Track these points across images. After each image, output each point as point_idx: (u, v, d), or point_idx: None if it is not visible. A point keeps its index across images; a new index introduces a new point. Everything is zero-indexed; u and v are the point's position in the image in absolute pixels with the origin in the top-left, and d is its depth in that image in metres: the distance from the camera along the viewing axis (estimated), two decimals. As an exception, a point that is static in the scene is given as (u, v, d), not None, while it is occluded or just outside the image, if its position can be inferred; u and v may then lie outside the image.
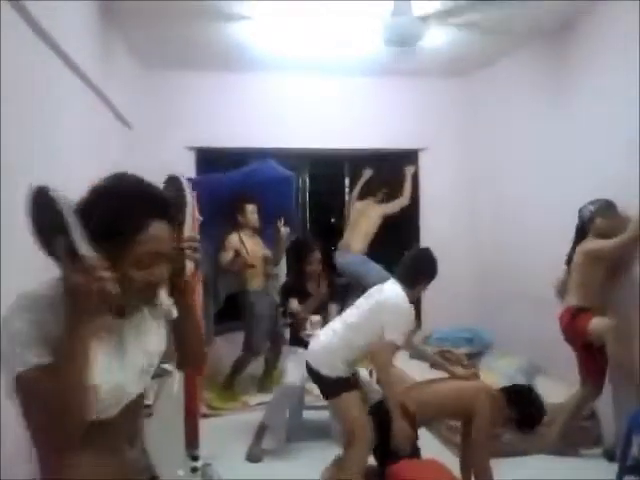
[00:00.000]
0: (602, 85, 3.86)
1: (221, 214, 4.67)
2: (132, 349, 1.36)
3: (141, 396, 1.46)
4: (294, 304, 4.14)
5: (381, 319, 3.03)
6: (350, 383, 3.12)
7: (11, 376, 1.15)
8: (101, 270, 1.13)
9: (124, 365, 1.33)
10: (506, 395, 2.98)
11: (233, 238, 4.80)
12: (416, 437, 3.04)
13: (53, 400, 1.13)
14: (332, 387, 3.12)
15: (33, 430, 1.19)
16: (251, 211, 4.81)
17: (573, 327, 3.59)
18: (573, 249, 3.75)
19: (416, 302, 3.31)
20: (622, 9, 3.60)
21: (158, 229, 1.25)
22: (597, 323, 3.49)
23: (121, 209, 1.22)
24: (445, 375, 3.27)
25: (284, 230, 4.79)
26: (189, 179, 4.57)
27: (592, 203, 3.65)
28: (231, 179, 4.91)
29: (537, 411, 2.98)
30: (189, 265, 1.43)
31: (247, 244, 4.82)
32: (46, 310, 1.18)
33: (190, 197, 1.51)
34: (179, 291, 1.46)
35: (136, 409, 1.43)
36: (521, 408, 2.95)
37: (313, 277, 4.25)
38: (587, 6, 3.88)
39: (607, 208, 3.60)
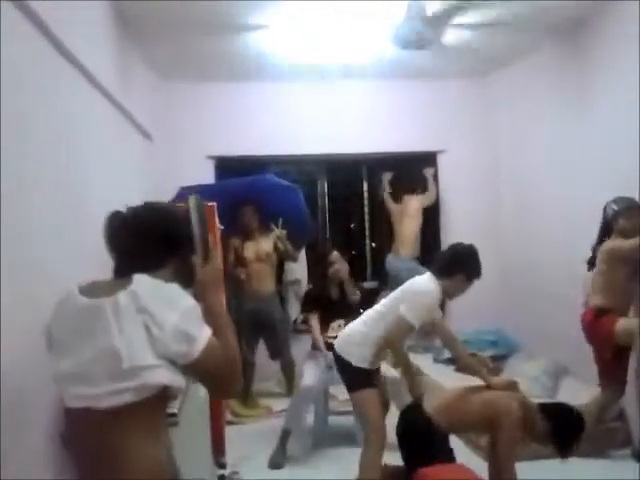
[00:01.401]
0: (621, 83, 3.82)
1: (224, 220, 4.71)
2: None
3: None
4: (314, 322, 4.15)
5: (404, 300, 3.05)
6: (372, 378, 3.12)
7: (198, 347, 1.36)
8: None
9: None
10: (544, 410, 2.92)
11: (234, 240, 4.82)
12: (448, 442, 3.01)
13: (236, 360, 1.48)
14: (355, 378, 3.12)
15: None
16: (244, 213, 4.81)
17: (596, 328, 3.54)
18: (597, 247, 3.71)
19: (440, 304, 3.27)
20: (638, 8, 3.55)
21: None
22: (625, 324, 3.43)
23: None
24: (479, 382, 3.20)
25: (279, 231, 4.78)
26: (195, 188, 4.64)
27: (615, 201, 3.59)
28: (231, 185, 4.92)
29: (575, 429, 2.88)
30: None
31: (246, 247, 4.83)
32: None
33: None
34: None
35: None
36: (558, 424, 2.87)
37: (335, 280, 4.23)
38: (604, 4, 3.85)
39: (630, 207, 3.54)
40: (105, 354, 1.32)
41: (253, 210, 4.81)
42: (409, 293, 3.09)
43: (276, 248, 4.86)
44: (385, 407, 3.30)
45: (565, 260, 4.40)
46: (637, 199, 3.54)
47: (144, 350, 1.32)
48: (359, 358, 3.09)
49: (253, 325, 4.80)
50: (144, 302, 1.33)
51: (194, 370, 1.40)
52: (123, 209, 1.55)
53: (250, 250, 4.83)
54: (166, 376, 1.36)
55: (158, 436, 1.43)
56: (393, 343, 3.05)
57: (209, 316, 1.47)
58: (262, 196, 4.77)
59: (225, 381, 1.47)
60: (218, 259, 1.64)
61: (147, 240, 1.50)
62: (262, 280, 4.87)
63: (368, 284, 5.63)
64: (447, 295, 3.12)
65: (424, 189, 5.64)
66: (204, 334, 1.38)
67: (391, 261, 5.53)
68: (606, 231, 3.65)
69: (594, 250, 3.72)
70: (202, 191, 4.62)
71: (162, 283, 1.41)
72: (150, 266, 1.48)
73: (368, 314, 3.25)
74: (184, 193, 4.59)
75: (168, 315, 1.33)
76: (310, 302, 4.34)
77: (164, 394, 1.40)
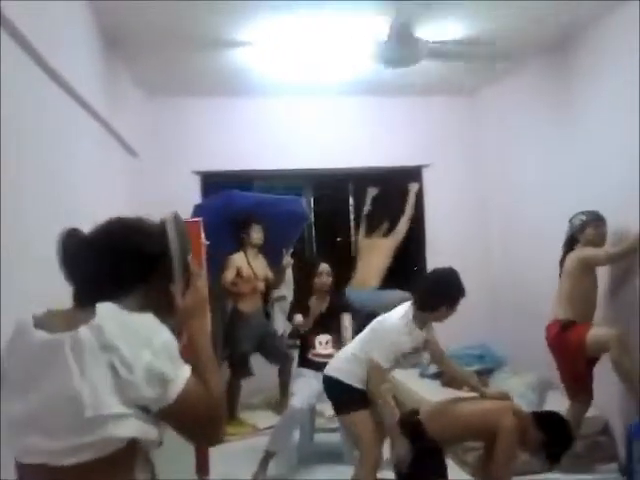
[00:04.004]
0: (607, 99, 3.87)
1: (229, 230, 4.72)
2: None
3: None
4: (298, 318, 4.15)
5: (373, 338, 3.09)
6: (364, 400, 3.10)
7: (174, 390, 1.15)
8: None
9: None
10: (537, 419, 2.93)
11: (237, 256, 4.80)
12: (443, 458, 3.00)
13: (219, 404, 1.25)
14: (346, 400, 3.11)
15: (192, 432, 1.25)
16: (257, 230, 4.83)
17: (564, 341, 3.56)
18: (564, 261, 3.74)
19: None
20: (624, 23, 3.62)
21: None
22: (596, 335, 3.46)
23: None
24: (473, 394, 3.22)
25: (288, 260, 4.81)
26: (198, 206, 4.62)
27: (583, 213, 3.69)
28: (247, 198, 4.98)
29: (567, 439, 2.92)
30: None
31: (253, 264, 4.83)
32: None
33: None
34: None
35: None
36: (551, 433, 2.88)
37: (320, 292, 4.20)
38: (589, 21, 3.89)
39: (598, 218, 3.63)
40: (64, 400, 1.10)
41: (262, 229, 4.84)
42: (380, 332, 3.10)
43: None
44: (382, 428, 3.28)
45: (550, 276, 4.41)
46: (623, 213, 3.60)
47: (110, 396, 1.10)
48: (353, 377, 3.09)
49: (249, 341, 4.80)
50: (110, 338, 1.12)
51: (170, 417, 1.18)
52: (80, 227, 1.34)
53: (256, 267, 4.85)
54: (135, 427, 1.14)
55: None
56: (375, 387, 3.01)
57: (190, 351, 1.28)
58: (275, 216, 4.82)
59: (207, 428, 1.25)
60: (203, 284, 1.37)
61: (112, 260, 1.25)
62: (258, 297, 4.91)
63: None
64: (434, 321, 3.15)
65: (392, 228, 5.53)
66: (182, 374, 1.18)
67: (354, 293, 5.13)
68: (571, 242, 3.71)
69: (561, 263, 3.76)
70: (210, 205, 4.69)
71: (132, 314, 1.19)
72: (116, 292, 1.23)
73: (356, 340, 3.27)
74: (199, 211, 4.59)
75: (139, 353, 1.12)
76: (291, 310, 4.35)
77: (134, 447, 1.17)
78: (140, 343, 1.14)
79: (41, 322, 1.20)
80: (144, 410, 1.15)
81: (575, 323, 3.55)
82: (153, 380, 1.13)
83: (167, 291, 1.29)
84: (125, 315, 1.18)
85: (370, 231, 5.58)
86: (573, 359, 3.55)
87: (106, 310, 1.17)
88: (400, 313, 3.10)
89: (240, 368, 4.80)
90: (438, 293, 3.05)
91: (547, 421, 2.93)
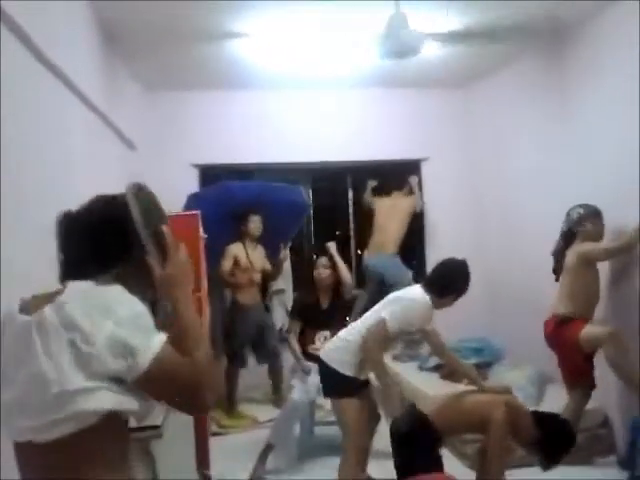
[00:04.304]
0: (601, 92, 3.86)
1: (228, 222, 4.70)
2: None
3: None
4: (293, 342, 4.15)
5: (389, 305, 3.09)
6: (354, 387, 3.09)
7: (145, 359, 1.14)
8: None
9: None
10: (538, 418, 2.92)
11: (235, 246, 4.79)
12: (439, 451, 3.00)
13: (205, 368, 1.21)
14: (337, 386, 3.11)
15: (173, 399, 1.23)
16: (255, 221, 4.82)
17: (560, 336, 3.58)
18: (560, 254, 3.73)
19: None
20: (620, 17, 3.62)
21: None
22: (589, 332, 3.46)
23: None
24: (472, 388, 3.23)
25: (285, 253, 4.81)
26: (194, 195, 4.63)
27: (581, 206, 3.67)
28: (247, 188, 4.95)
29: (566, 442, 2.90)
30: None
31: (250, 255, 4.82)
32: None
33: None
34: None
35: None
36: (551, 435, 2.87)
37: (322, 287, 4.16)
38: (585, 14, 3.89)
39: (596, 211, 3.63)
40: (34, 379, 1.13)
41: (261, 220, 4.83)
42: (397, 301, 3.11)
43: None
44: (375, 418, 3.28)
45: (548, 269, 4.42)
46: (617, 207, 3.59)
47: (74, 371, 1.11)
48: (344, 365, 3.09)
49: (247, 333, 4.80)
50: (71, 314, 1.12)
51: (146, 386, 1.17)
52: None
53: (254, 258, 4.84)
54: (108, 399, 1.13)
55: (114, 468, 1.21)
56: (368, 344, 3.02)
57: (175, 320, 1.26)
58: (274, 206, 4.79)
59: (187, 396, 1.21)
60: (181, 252, 1.31)
61: (85, 236, 1.26)
62: (256, 289, 4.90)
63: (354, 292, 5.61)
64: (434, 308, 3.14)
65: (411, 193, 5.58)
66: (153, 342, 1.15)
67: (373, 259, 5.22)
68: (570, 236, 3.69)
69: (557, 256, 3.75)
70: (207, 196, 4.68)
71: (98, 289, 1.19)
72: (94, 269, 1.24)
73: (354, 323, 3.27)
74: (195, 201, 4.60)
75: (100, 325, 1.11)
76: (298, 310, 4.30)
77: (117, 419, 1.19)
78: (102, 315, 1.13)
79: (26, 306, 1.22)
80: (120, 382, 1.15)
81: (572, 319, 3.55)
82: (118, 351, 1.12)
83: (144, 263, 1.27)
84: (91, 290, 1.18)
85: (389, 190, 5.51)
86: (570, 354, 3.57)
87: (72, 287, 1.19)
88: (417, 290, 3.12)
89: (235, 358, 4.81)
90: (452, 282, 3.13)
91: (548, 422, 2.93)
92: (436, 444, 2.91)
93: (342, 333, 3.26)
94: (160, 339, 1.17)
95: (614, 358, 3.37)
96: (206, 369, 1.23)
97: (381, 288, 4.98)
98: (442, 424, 2.91)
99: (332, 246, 4.24)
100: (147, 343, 1.15)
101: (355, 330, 3.16)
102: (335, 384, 3.12)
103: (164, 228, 1.29)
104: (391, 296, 3.21)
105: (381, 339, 3.05)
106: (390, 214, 5.34)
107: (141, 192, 1.32)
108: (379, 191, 5.61)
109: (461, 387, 3.40)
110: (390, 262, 5.21)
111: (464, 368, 3.41)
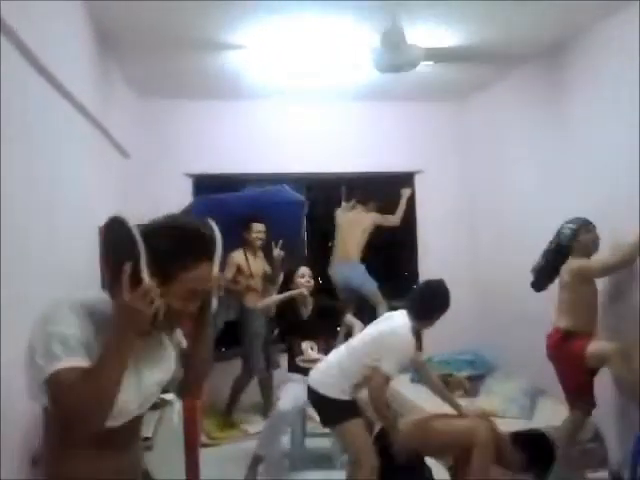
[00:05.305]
0: (597, 105, 3.89)
1: (229, 233, 4.68)
2: (146, 370, 1.45)
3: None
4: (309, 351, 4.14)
5: (380, 349, 3.07)
6: (353, 409, 3.10)
7: (45, 371, 1.25)
8: (156, 296, 1.28)
9: (135, 383, 1.41)
10: (516, 440, 2.93)
11: (237, 255, 4.80)
12: (423, 467, 3.01)
13: (86, 402, 1.25)
14: (335, 412, 3.10)
15: (54, 426, 1.35)
16: (258, 230, 4.84)
17: (565, 351, 3.51)
18: (553, 270, 3.67)
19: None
20: (617, 30, 3.64)
21: (205, 269, 1.40)
22: (596, 348, 3.41)
23: (177, 248, 1.36)
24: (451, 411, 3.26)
25: (277, 252, 4.81)
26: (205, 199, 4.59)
27: (571, 221, 3.63)
28: (242, 198, 4.97)
29: (549, 455, 2.93)
30: (214, 301, 1.50)
31: (251, 262, 4.83)
32: (87, 318, 1.32)
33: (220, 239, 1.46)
34: (200, 323, 1.54)
35: (137, 420, 1.52)
36: (532, 452, 2.89)
37: (302, 296, 4.19)
38: (583, 25, 3.91)
39: (587, 223, 3.58)
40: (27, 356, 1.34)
41: (265, 227, 4.84)
42: (389, 343, 3.09)
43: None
44: (370, 429, 3.27)
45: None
46: (613, 219, 3.60)
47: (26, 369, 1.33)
48: (338, 391, 3.09)
49: (259, 339, 4.82)
50: (33, 323, 1.32)
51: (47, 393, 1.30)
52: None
53: (256, 266, 4.86)
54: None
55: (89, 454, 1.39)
56: (379, 396, 3.03)
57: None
58: (272, 209, 4.81)
59: (70, 418, 1.29)
60: (132, 298, 1.29)
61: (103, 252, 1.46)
62: (258, 295, 4.90)
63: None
64: (419, 329, 3.21)
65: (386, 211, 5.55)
66: (50, 367, 1.26)
67: (337, 267, 5.36)
68: (561, 253, 3.64)
69: (538, 272, 3.74)
70: (213, 203, 4.66)
71: (63, 301, 1.33)
72: (107, 285, 1.41)
73: (342, 350, 3.27)
74: (199, 203, 4.59)
75: (34, 337, 1.30)
76: (278, 319, 4.33)
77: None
78: (40, 324, 1.30)
79: None
80: None
81: (576, 334, 3.49)
82: (30, 361, 1.29)
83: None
84: (61, 300, 1.34)
85: (353, 206, 5.57)
86: (574, 370, 3.50)
87: (74, 294, 1.37)
88: (402, 321, 3.14)
89: (255, 366, 4.79)
90: (434, 303, 3.16)
91: (528, 442, 2.95)
92: (418, 464, 2.94)
93: (332, 358, 3.27)
94: (60, 363, 1.25)
95: (620, 374, 3.34)
96: (94, 400, 1.27)
97: (353, 293, 5.22)
98: (416, 446, 2.95)
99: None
100: (45, 365, 1.26)
101: (346, 356, 3.17)
102: (336, 411, 3.11)
103: (125, 266, 1.28)
104: (380, 331, 3.20)
105: (383, 388, 3.06)
106: (350, 228, 5.41)
107: (115, 225, 1.37)
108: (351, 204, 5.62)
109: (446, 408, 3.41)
110: (353, 269, 5.29)
111: (445, 395, 3.45)
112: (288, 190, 5.07)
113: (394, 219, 5.52)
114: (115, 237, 1.37)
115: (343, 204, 5.69)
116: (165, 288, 1.33)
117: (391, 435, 3.07)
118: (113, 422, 1.37)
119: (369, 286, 5.22)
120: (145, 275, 1.29)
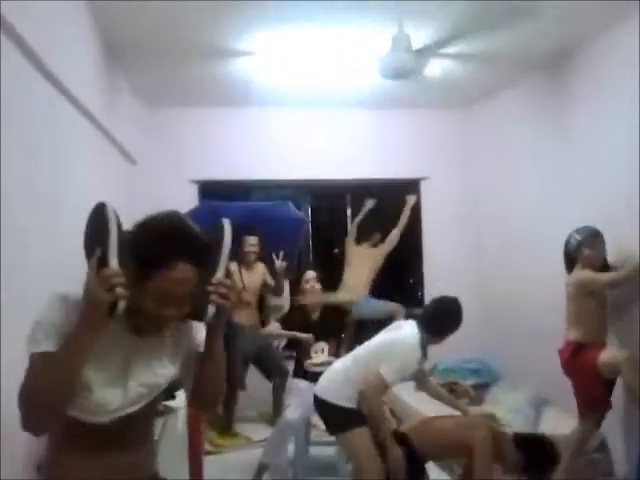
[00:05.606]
0: (603, 114, 3.88)
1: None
2: (138, 367, 1.42)
3: (149, 406, 1.49)
4: (273, 326, 4.20)
5: (384, 354, 3.07)
6: (358, 417, 3.09)
7: (28, 352, 1.30)
8: (117, 282, 1.22)
9: (119, 380, 1.39)
10: (518, 441, 2.92)
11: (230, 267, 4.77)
12: (423, 472, 2.99)
13: (42, 385, 1.27)
14: (340, 420, 3.09)
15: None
16: (250, 243, 4.80)
17: (577, 363, 3.48)
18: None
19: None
20: (622, 38, 3.64)
21: (181, 271, 1.30)
22: (608, 357, 3.37)
23: (154, 243, 1.30)
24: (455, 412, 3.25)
25: (280, 264, 4.80)
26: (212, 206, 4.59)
27: (578, 231, 3.60)
28: (243, 208, 4.94)
29: (549, 461, 2.91)
30: (210, 309, 1.41)
31: (244, 276, 4.80)
32: (75, 310, 1.28)
33: (229, 241, 1.44)
34: (208, 334, 1.54)
35: (131, 421, 1.44)
36: (532, 456, 2.88)
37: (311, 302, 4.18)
38: (587, 36, 3.92)
39: (594, 234, 3.54)
40: None
41: (259, 241, 4.81)
42: (393, 350, 3.10)
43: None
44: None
45: (547, 291, 4.41)
46: (618, 229, 3.58)
47: None
48: (344, 398, 3.08)
49: (244, 354, 4.77)
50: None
51: None
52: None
53: (249, 280, 4.83)
54: None
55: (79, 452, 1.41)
56: (375, 400, 3.04)
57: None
58: (270, 225, 4.77)
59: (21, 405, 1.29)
60: (91, 285, 1.25)
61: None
62: (252, 309, 4.88)
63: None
64: (429, 344, 3.21)
65: (384, 239, 5.43)
66: (28, 349, 1.31)
67: (356, 308, 5.12)
68: (570, 263, 3.62)
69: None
70: (214, 210, 4.65)
71: (58, 294, 1.36)
72: None
73: (349, 358, 3.26)
74: (201, 209, 4.59)
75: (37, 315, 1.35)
76: (288, 323, 4.31)
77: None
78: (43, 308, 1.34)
79: None
80: None
81: (586, 345, 3.46)
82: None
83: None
84: (53, 295, 1.35)
85: (360, 240, 5.49)
86: (589, 382, 3.45)
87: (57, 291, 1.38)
88: (411, 331, 3.14)
89: (233, 381, 4.76)
90: (447, 321, 3.17)
91: (528, 443, 2.93)
92: (420, 464, 2.93)
93: (338, 365, 3.27)
94: (35, 349, 1.29)
95: (632, 382, 3.30)
96: (32, 392, 1.28)
97: (362, 325, 5.08)
98: (418, 446, 2.93)
99: None
100: (27, 350, 1.30)
101: (353, 364, 3.17)
102: (341, 418, 3.09)
103: (97, 251, 1.27)
104: (383, 341, 3.21)
105: (380, 391, 3.06)
106: (358, 261, 5.33)
107: (97, 211, 1.35)
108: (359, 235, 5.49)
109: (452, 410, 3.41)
110: (368, 303, 5.20)
111: (448, 399, 3.48)
112: (291, 206, 5.07)
113: (396, 234, 5.41)
114: (93, 223, 1.35)
115: (349, 230, 5.56)
116: (140, 286, 1.28)
117: (386, 440, 3.03)
118: (95, 418, 1.37)
119: (392, 307, 5.12)
120: (112, 261, 1.24)
